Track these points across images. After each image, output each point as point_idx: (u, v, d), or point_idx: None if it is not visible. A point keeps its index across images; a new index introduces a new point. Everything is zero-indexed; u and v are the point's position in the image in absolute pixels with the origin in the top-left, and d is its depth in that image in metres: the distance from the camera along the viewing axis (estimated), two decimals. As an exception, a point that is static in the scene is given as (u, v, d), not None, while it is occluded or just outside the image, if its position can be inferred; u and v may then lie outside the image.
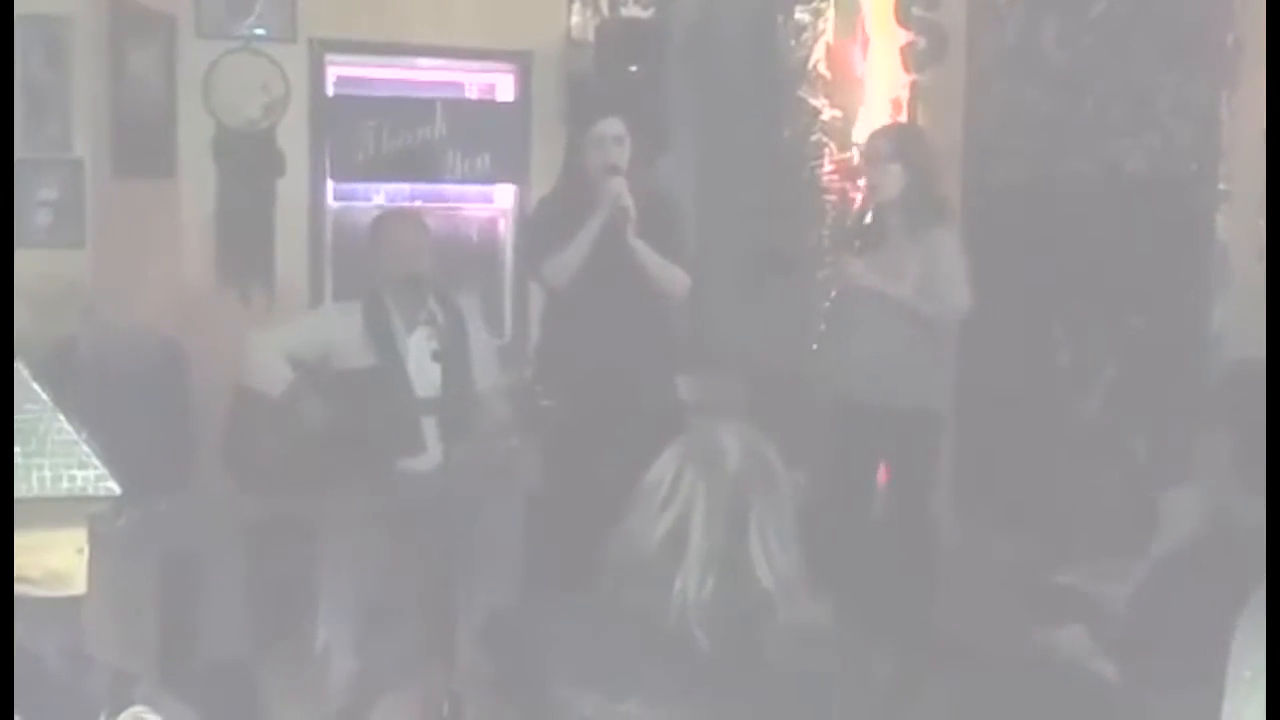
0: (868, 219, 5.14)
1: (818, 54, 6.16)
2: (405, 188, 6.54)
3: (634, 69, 6.31)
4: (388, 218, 5.09)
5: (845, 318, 5.04)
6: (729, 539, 2.33)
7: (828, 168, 6.12)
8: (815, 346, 5.52)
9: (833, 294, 5.05)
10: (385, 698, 4.53)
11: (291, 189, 6.16)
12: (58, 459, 1.96)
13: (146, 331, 5.03)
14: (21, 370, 1.99)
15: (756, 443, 2.45)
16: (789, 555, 2.36)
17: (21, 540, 1.95)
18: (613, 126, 4.85)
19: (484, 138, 6.46)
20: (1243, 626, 1.99)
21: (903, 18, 5.79)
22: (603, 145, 4.81)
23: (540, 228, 5.07)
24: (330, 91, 6.30)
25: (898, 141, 4.98)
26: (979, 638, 4.56)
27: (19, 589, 1.95)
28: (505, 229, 6.72)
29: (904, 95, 5.81)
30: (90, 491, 1.98)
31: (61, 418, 1.98)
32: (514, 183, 6.59)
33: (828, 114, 6.11)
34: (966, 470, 5.50)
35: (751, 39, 6.49)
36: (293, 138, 6.13)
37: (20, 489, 1.93)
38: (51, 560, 2.01)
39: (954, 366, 5.03)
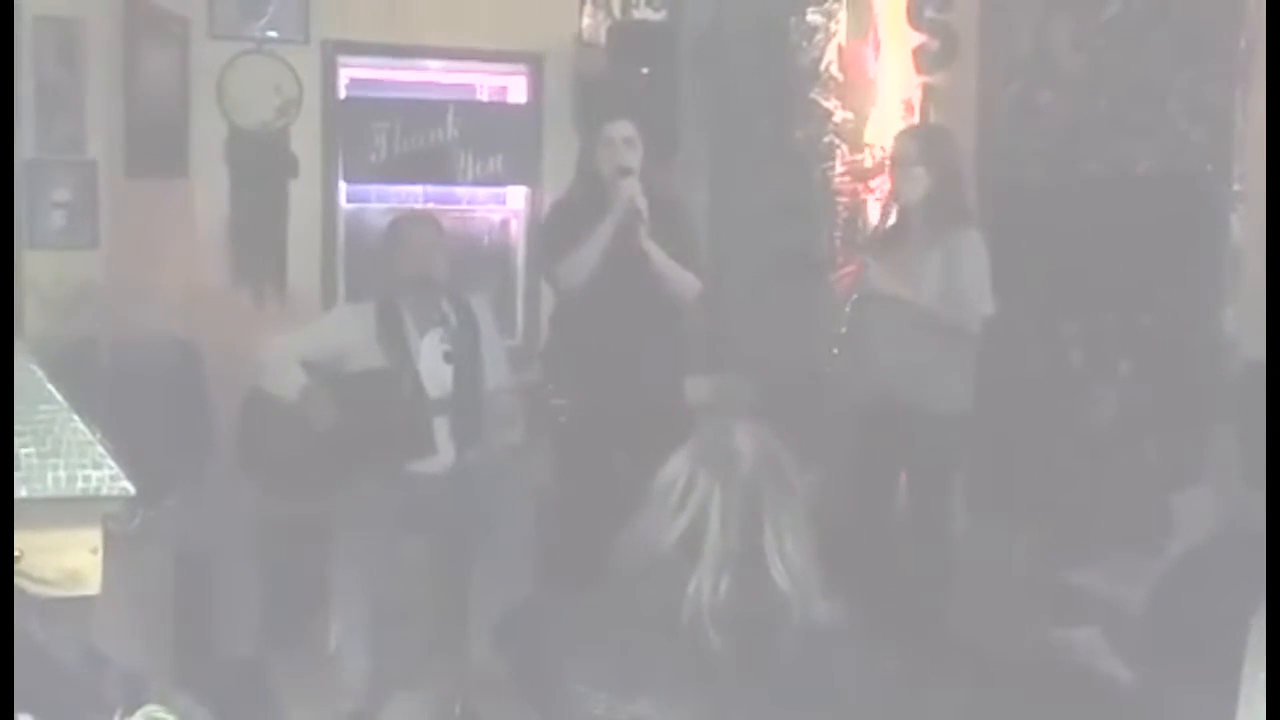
0: (890, 222, 5.12)
1: (829, 56, 6.16)
2: (417, 189, 6.54)
3: (645, 71, 6.31)
4: (403, 220, 5.10)
5: (865, 322, 5.02)
6: (744, 540, 2.33)
7: (839, 169, 6.11)
8: (835, 350, 5.50)
9: (854, 297, 5.02)
10: (397, 697, 4.54)
11: (304, 191, 6.17)
12: (73, 459, 1.97)
13: (160, 332, 5.05)
14: (36, 371, 1.99)
15: (770, 443, 2.44)
16: (804, 556, 2.36)
17: (36, 540, 1.95)
18: (623, 129, 4.85)
19: (496, 139, 6.47)
20: (1257, 627, 1.99)
21: (915, 19, 5.78)
22: (613, 147, 4.81)
23: (554, 230, 5.07)
24: (342, 93, 6.30)
25: (923, 144, 4.94)
26: (993, 638, 4.55)
27: (34, 589, 1.96)
28: (517, 231, 6.72)
29: (916, 97, 5.80)
30: (105, 491, 1.99)
31: (76, 418, 1.99)
32: (526, 184, 6.60)
33: (839, 116, 6.11)
34: (980, 470, 5.48)
35: (763, 41, 6.48)
36: (305, 139, 6.14)
37: (35, 489, 1.94)
38: (66, 560, 2.02)
39: (975, 370, 5.01)
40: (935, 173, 4.80)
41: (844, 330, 5.01)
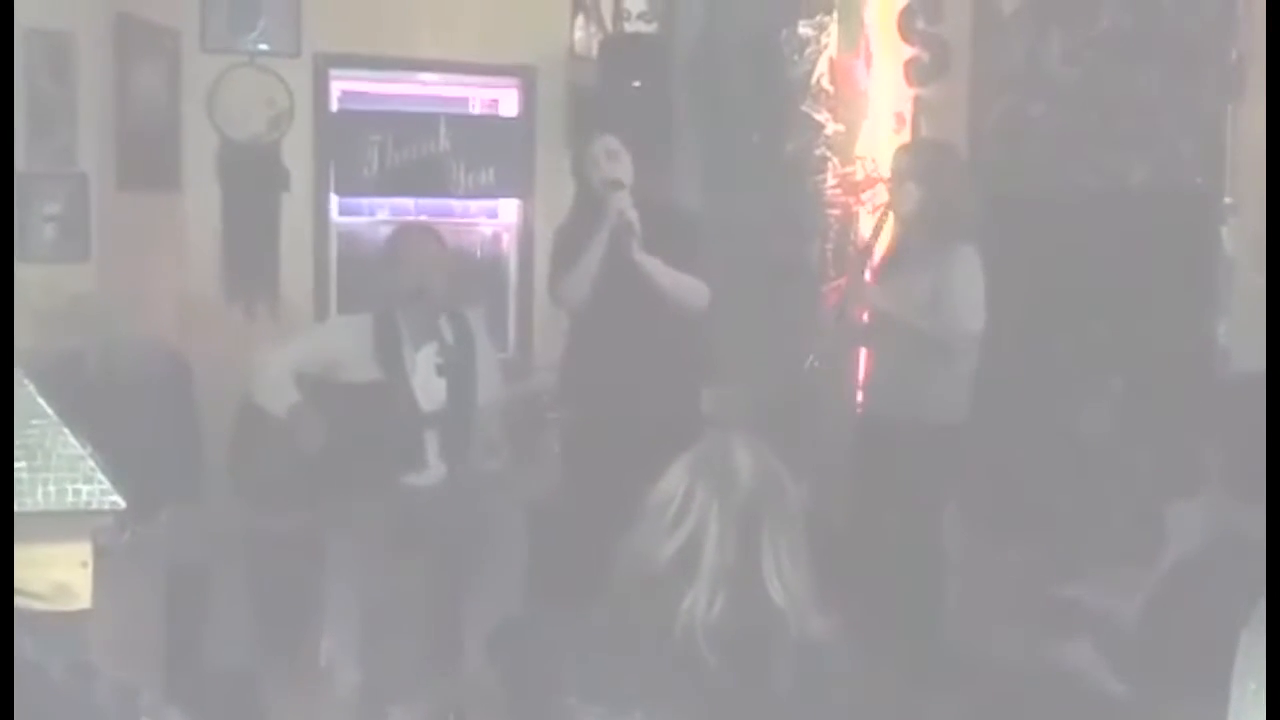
0: (884, 236, 5.12)
1: (821, 68, 6.16)
2: (409, 202, 6.54)
3: (637, 84, 6.31)
4: (404, 232, 5.09)
5: (855, 335, 5.02)
6: (741, 556, 2.32)
7: (831, 182, 6.12)
8: (816, 363, 5.51)
9: (838, 311, 5.00)
10: (390, 710, 4.53)
11: (296, 204, 6.17)
12: (63, 473, 1.96)
13: (151, 345, 5.04)
14: (27, 385, 1.99)
15: (767, 458, 2.43)
16: (800, 571, 2.35)
17: (26, 554, 1.95)
18: (606, 143, 4.87)
19: (488, 152, 6.46)
20: (1246, 639, 1.99)
21: (906, 32, 5.80)
22: (598, 162, 4.83)
23: (554, 248, 5.07)
24: (334, 106, 6.30)
25: (916, 160, 4.92)
26: (987, 651, 4.55)
27: (24, 603, 1.95)
28: (509, 243, 6.72)
29: (907, 109, 5.81)
30: (95, 506, 1.98)
31: (66, 432, 1.99)
32: (518, 197, 6.59)
33: (831, 128, 6.11)
34: (973, 482, 5.48)
35: (755, 53, 6.49)
36: (297, 152, 6.13)
37: (25, 503, 1.93)
38: (56, 574, 2.02)
39: (969, 383, 5.00)
40: (929, 189, 4.79)
41: (823, 341, 5.00)
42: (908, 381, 4.73)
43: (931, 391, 4.73)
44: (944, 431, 4.79)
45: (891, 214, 5.01)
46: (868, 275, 4.94)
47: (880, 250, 5.10)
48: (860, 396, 4.95)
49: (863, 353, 4.94)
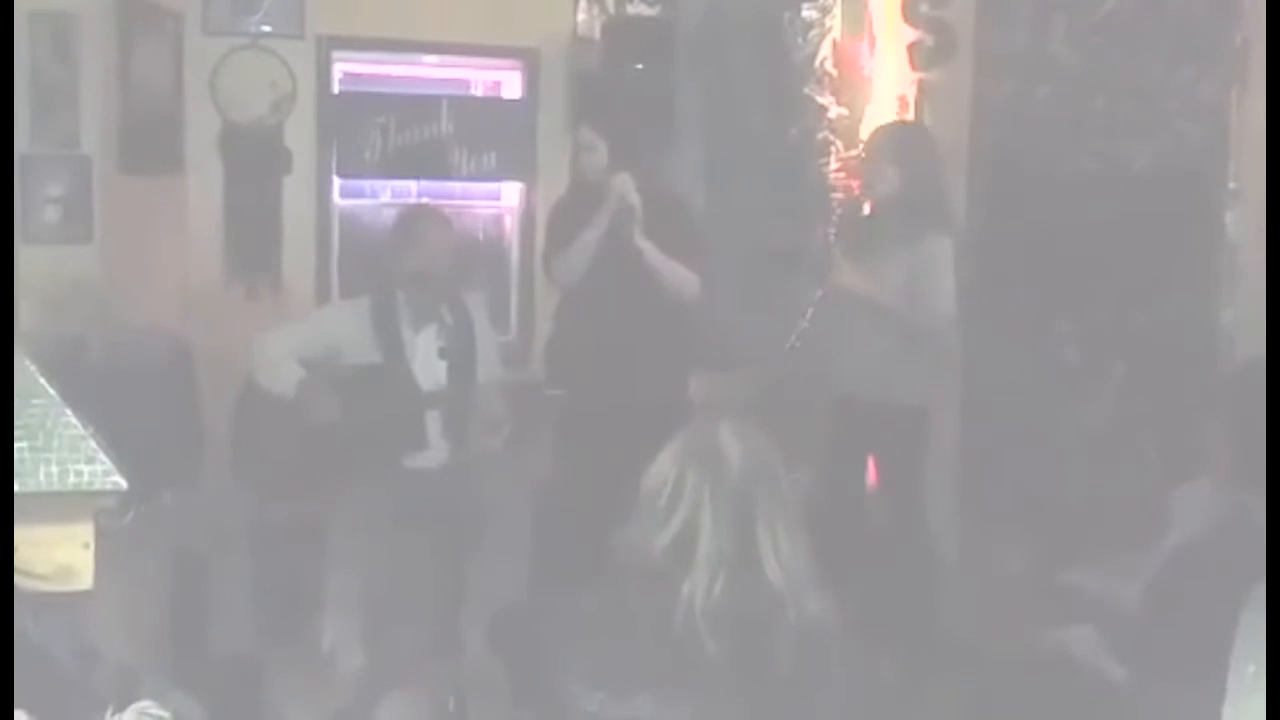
0: (860, 218, 5.11)
1: (825, 51, 6.15)
2: (412, 185, 6.53)
3: (640, 66, 6.30)
4: (413, 214, 5.08)
5: (832, 316, 5.03)
6: (737, 539, 2.33)
7: (834, 165, 6.11)
8: (797, 342, 5.50)
9: (819, 292, 5.01)
10: (392, 694, 4.52)
11: (298, 186, 6.16)
12: (65, 454, 1.96)
13: (153, 327, 5.04)
14: (29, 366, 1.99)
15: (756, 441, 2.44)
16: (797, 551, 2.36)
17: (29, 535, 1.95)
18: (584, 135, 4.91)
19: (490, 135, 6.45)
20: (1245, 623, 1.99)
21: (910, 15, 5.78)
22: (579, 153, 4.88)
23: (551, 227, 5.09)
24: (337, 88, 6.29)
25: (895, 141, 4.93)
26: (986, 637, 4.55)
27: (27, 584, 1.95)
28: (511, 226, 6.71)
29: (911, 93, 5.80)
30: (97, 486, 1.98)
31: (69, 413, 1.99)
32: (520, 180, 6.58)
33: (834, 112, 6.10)
34: (975, 469, 5.49)
35: (758, 36, 6.48)
36: (300, 134, 6.12)
37: (28, 484, 1.93)
38: (59, 555, 2.02)
39: (950, 365, 4.99)
40: (906, 174, 4.77)
41: (805, 324, 4.99)
42: (876, 362, 4.73)
43: (904, 374, 4.73)
44: (917, 414, 4.80)
45: (869, 194, 5.01)
46: (844, 256, 4.94)
47: (856, 231, 5.10)
48: (838, 378, 4.95)
49: (840, 335, 4.94)
